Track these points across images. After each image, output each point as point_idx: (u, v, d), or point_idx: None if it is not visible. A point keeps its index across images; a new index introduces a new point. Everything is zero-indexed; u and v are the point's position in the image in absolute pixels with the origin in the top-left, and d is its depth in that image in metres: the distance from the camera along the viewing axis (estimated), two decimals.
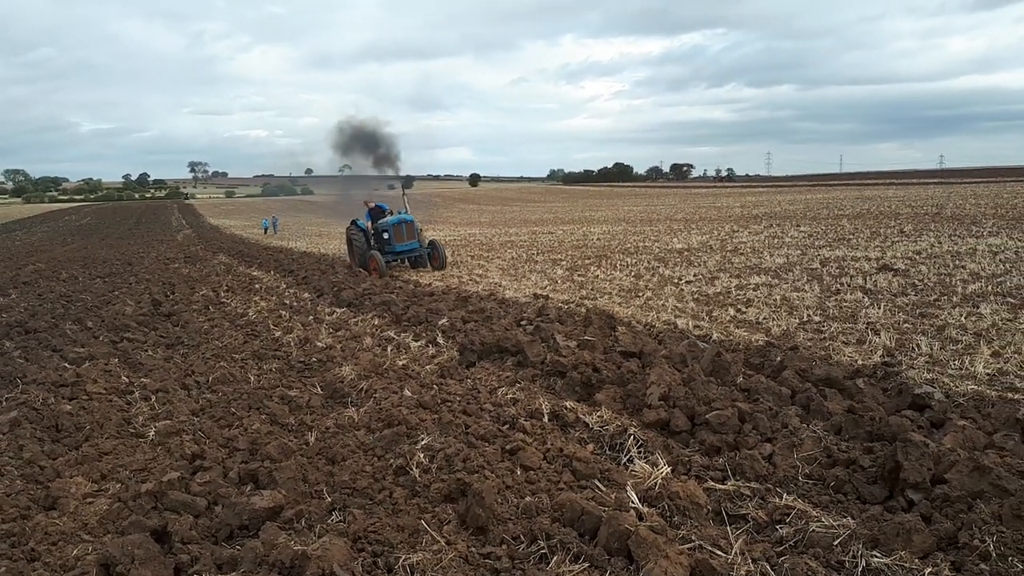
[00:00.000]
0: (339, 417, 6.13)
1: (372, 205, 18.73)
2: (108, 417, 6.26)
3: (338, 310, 12.02)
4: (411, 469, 4.73)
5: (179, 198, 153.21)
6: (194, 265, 21.94)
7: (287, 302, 13.30)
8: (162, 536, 3.99)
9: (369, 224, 18.08)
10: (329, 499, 4.49)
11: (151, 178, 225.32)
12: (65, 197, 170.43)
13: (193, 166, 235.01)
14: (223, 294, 14.68)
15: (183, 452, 5.40)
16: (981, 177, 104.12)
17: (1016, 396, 5.48)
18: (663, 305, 10.69)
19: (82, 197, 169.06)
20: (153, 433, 5.89)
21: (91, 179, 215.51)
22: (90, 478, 4.98)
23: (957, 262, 13.38)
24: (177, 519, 4.09)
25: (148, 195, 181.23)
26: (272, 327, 10.67)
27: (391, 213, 18.44)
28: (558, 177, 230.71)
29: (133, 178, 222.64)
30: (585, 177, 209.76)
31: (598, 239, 25.61)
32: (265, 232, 47.21)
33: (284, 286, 15.85)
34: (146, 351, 9.15)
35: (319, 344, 9.22)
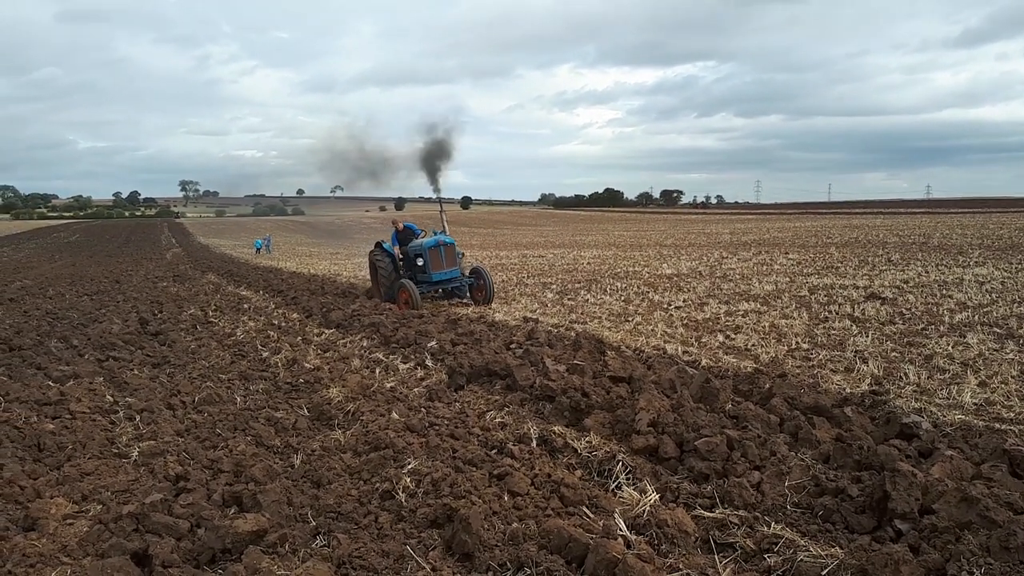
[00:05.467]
0: (325, 440, 6.08)
1: (401, 226, 15.81)
2: (91, 436, 6.18)
3: (326, 331, 11.97)
4: (397, 493, 4.69)
5: (169, 217, 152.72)
6: (183, 284, 21.84)
7: (275, 322, 13.24)
8: (143, 559, 3.92)
9: (397, 248, 15.28)
10: (314, 523, 4.44)
11: (142, 196, 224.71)
12: (55, 214, 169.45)
13: (184, 185, 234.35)
14: (211, 313, 14.59)
15: (167, 473, 5.33)
16: (968, 208, 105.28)
17: (1003, 426, 5.49)
18: (652, 330, 10.70)
19: (71, 214, 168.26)
20: (137, 453, 5.82)
21: (81, 196, 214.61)
22: (71, 499, 4.90)
23: (944, 291, 13.48)
24: (158, 542, 4.02)
25: (138, 213, 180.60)
26: (260, 348, 10.61)
27: (424, 235, 15.57)
28: (549, 201, 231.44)
29: (124, 196, 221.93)
30: (576, 202, 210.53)
31: (588, 263, 25.69)
32: (258, 251, 47.11)
33: (273, 306, 15.78)
34: (132, 370, 9.06)
35: (307, 365, 9.16)
